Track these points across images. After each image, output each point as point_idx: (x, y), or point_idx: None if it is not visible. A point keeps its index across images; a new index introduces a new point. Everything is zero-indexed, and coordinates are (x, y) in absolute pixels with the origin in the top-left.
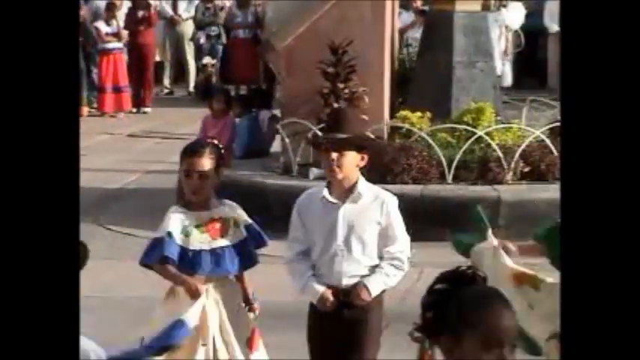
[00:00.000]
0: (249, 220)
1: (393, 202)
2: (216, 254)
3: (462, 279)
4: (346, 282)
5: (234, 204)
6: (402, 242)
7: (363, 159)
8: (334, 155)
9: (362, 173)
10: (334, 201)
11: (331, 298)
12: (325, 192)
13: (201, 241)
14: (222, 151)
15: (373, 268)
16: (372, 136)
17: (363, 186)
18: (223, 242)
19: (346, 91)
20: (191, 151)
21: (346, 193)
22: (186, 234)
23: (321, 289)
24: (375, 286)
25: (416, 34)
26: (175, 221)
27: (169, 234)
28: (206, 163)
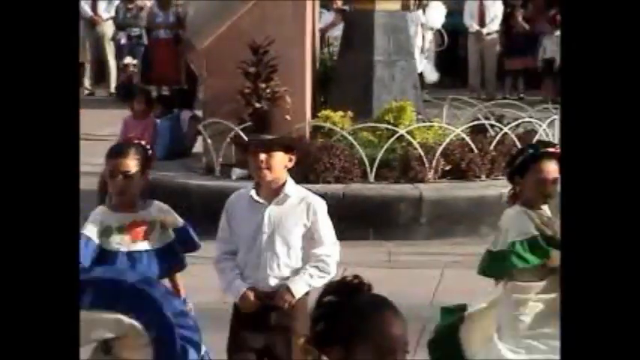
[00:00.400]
0: (180, 224)
1: (321, 205)
2: (132, 257)
3: (349, 289)
4: (271, 283)
5: (166, 206)
6: (328, 245)
7: (291, 160)
8: (263, 156)
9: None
10: (261, 201)
11: (252, 298)
12: (253, 192)
13: (119, 242)
14: (149, 152)
15: (298, 271)
16: (298, 137)
17: (291, 187)
18: (143, 245)
19: (268, 90)
20: (116, 152)
21: (274, 193)
22: (106, 235)
23: (243, 289)
24: (298, 288)
25: (337, 33)
26: (92, 223)
27: (84, 236)
28: (131, 164)
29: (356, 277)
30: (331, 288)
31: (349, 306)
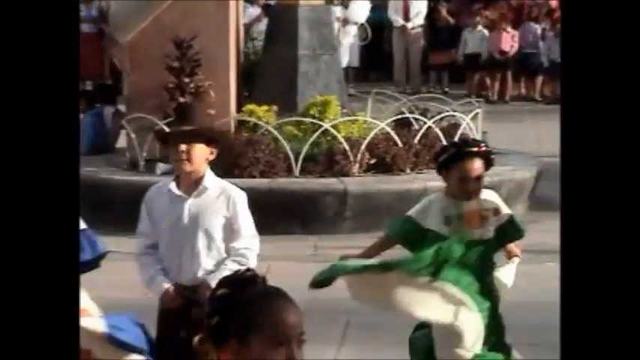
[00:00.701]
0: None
1: (241, 197)
2: None
3: (243, 282)
4: (192, 276)
5: None
6: (247, 238)
7: (212, 152)
8: (183, 147)
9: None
10: (180, 194)
11: (174, 294)
12: (172, 185)
13: None
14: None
15: (219, 264)
16: (221, 129)
17: (210, 180)
18: None
19: (192, 85)
20: None
21: (193, 186)
22: None
23: (165, 285)
24: None
25: (261, 27)
26: None
27: None
28: None
29: (249, 269)
30: (224, 282)
31: (242, 298)
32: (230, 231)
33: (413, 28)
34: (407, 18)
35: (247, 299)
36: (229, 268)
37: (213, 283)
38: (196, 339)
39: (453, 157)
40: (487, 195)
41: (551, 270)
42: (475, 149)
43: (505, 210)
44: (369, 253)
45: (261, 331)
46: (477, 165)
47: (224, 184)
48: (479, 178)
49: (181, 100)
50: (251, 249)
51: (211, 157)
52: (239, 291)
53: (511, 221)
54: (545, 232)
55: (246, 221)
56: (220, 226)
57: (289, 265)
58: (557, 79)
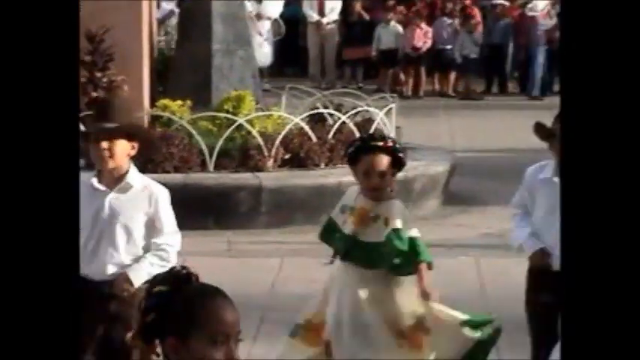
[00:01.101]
0: None
1: (163, 193)
2: None
3: (179, 279)
4: (110, 271)
5: None
6: (168, 235)
7: (133, 148)
8: (105, 144)
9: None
10: (102, 188)
11: (92, 288)
12: (94, 179)
13: None
14: None
15: (137, 259)
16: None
17: (134, 176)
18: None
19: (105, 79)
20: None
21: (115, 181)
22: None
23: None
24: (138, 276)
25: (175, 22)
26: None
27: None
28: None
29: (184, 267)
30: (160, 278)
31: (180, 295)
32: (151, 228)
33: (328, 24)
34: (322, 13)
35: (186, 297)
36: (150, 262)
37: (132, 276)
38: (129, 335)
39: (359, 150)
40: (392, 203)
41: (464, 264)
42: (380, 144)
43: (398, 225)
44: None
45: (202, 329)
46: (382, 160)
47: (147, 180)
48: (383, 174)
49: (94, 94)
50: (172, 245)
51: (133, 153)
52: (177, 288)
53: (400, 237)
54: (459, 226)
55: (168, 218)
56: (141, 223)
57: (203, 260)
58: (469, 74)
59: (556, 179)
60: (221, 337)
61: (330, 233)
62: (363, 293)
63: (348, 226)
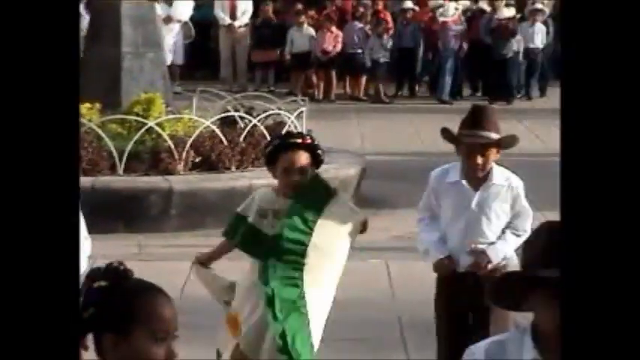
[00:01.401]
0: None
1: None
2: None
3: (119, 275)
4: None
5: None
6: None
7: None
8: None
9: None
10: None
11: None
12: None
13: None
14: None
15: None
16: None
17: None
18: None
19: None
20: None
21: None
22: None
23: None
24: None
25: (84, 24)
26: None
27: None
28: None
29: (120, 263)
30: (98, 273)
31: (121, 291)
32: None
33: (239, 27)
34: (233, 16)
35: (126, 293)
36: None
37: None
38: None
39: (278, 148)
40: None
41: (374, 267)
42: (299, 141)
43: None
44: (212, 257)
45: (143, 326)
46: (301, 157)
47: None
48: (303, 170)
49: None
50: (83, 251)
51: None
52: (116, 284)
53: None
54: (370, 229)
55: (79, 223)
56: None
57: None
58: (380, 78)
59: (464, 182)
60: (162, 333)
61: (254, 239)
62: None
63: (276, 229)
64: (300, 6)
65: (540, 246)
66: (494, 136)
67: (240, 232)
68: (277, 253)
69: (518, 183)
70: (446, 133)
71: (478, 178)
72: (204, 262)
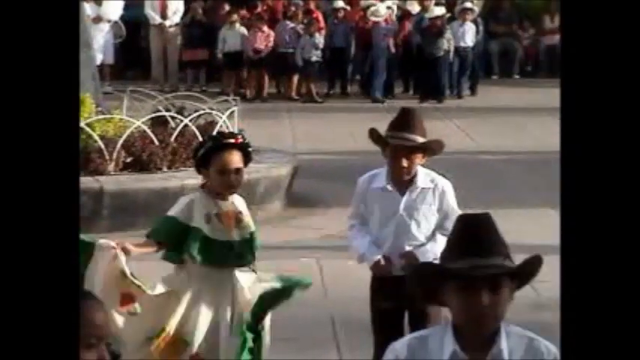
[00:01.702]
0: None
1: None
2: None
3: None
4: None
5: None
6: None
7: None
8: None
9: None
10: None
11: None
12: None
13: None
14: None
15: None
16: None
17: None
18: None
19: None
20: None
21: None
22: None
23: None
24: None
25: None
26: None
27: None
28: None
29: None
30: None
31: None
32: None
33: (170, 26)
34: (164, 16)
35: None
36: None
37: None
38: None
39: (211, 150)
40: (239, 198)
41: (306, 265)
42: (232, 141)
43: (248, 217)
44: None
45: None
46: (236, 157)
47: None
48: (239, 170)
49: None
50: None
51: None
52: None
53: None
54: (301, 228)
55: None
56: None
57: None
58: (311, 77)
59: (389, 187)
60: (93, 339)
61: (207, 247)
62: (241, 292)
63: (222, 233)
64: (227, 7)
65: (453, 238)
66: (420, 139)
67: (191, 244)
68: (232, 257)
69: (444, 184)
70: (373, 134)
71: (404, 182)
72: (127, 251)
